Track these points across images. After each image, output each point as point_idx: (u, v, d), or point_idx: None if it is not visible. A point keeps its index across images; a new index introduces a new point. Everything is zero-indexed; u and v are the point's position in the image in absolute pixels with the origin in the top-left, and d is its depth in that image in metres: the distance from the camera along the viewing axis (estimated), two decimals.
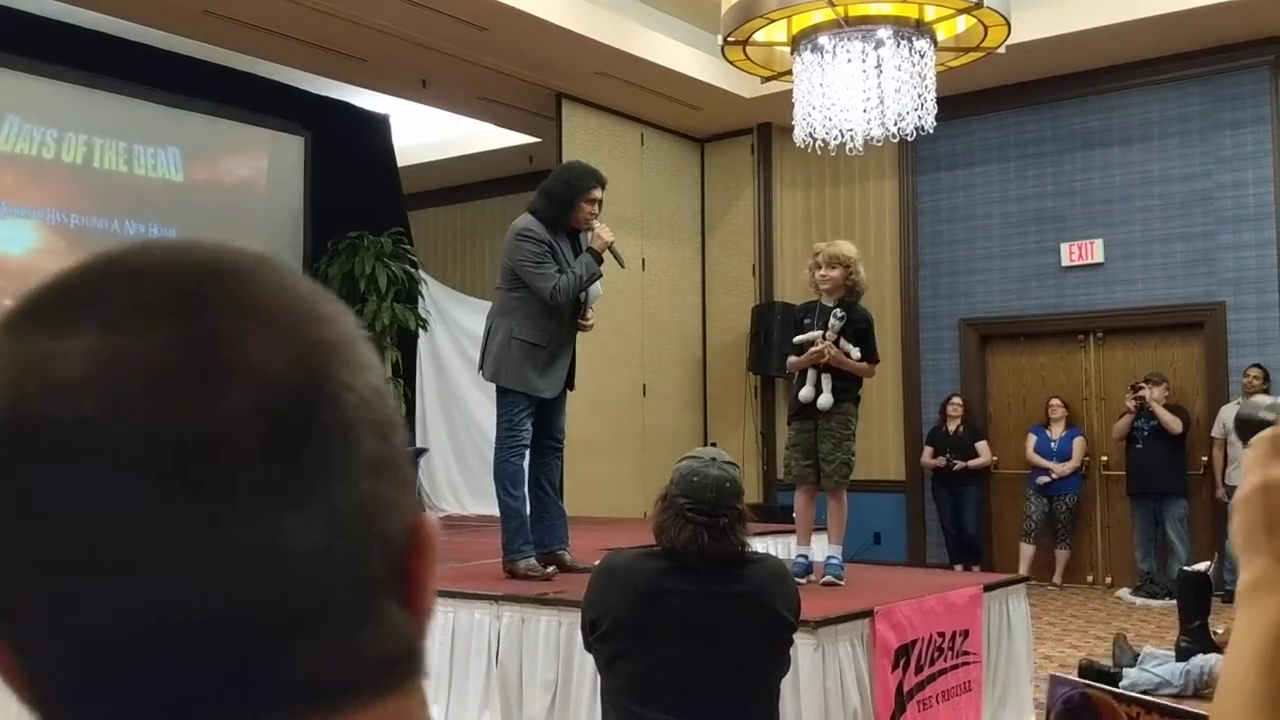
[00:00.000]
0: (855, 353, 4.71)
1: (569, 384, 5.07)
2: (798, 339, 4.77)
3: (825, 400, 4.66)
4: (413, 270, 9.08)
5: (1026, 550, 8.99)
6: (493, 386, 5.06)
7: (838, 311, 4.68)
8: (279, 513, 0.42)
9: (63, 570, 0.41)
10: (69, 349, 0.42)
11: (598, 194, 4.91)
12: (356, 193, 9.23)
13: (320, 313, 0.46)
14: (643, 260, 9.64)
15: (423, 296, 9.27)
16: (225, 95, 8.73)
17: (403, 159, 10.13)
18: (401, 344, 9.11)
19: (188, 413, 0.41)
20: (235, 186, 9.00)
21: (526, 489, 5.01)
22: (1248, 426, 0.83)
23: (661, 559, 2.63)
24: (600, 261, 4.89)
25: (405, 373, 9.23)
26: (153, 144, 8.51)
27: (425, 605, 0.48)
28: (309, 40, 8.08)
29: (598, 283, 4.95)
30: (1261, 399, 0.87)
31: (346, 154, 9.35)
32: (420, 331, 9.27)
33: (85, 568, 0.41)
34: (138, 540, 0.40)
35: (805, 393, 4.70)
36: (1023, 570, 8.76)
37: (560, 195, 4.92)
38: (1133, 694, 1.77)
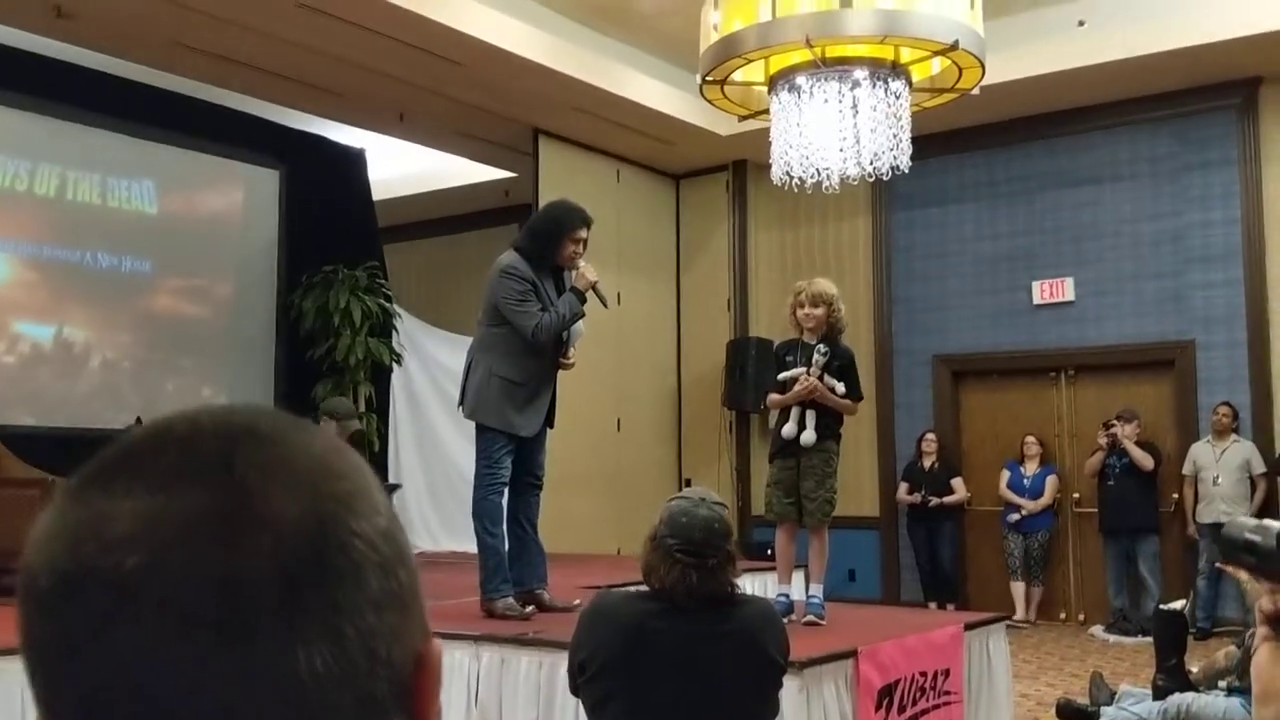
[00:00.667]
0: (840, 388, 4.72)
1: (549, 422, 5.05)
2: (782, 375, 4.78)
3: (809, 436, 4.66)
4: (387, 304, 9.05)
5: (1017, 588, 8.98)
6: (468, 422, 5.03)
7: (821, 347, 4.69)
8: (293, 646, 0.48)
9: (105, 706, 0.47)
10: (120, 509, 0.49)
11: (583, 234, 4.92)
12: (331, 226, 9.20)
13: (335, 469, 0.53)
14: (618, 295, 9.64)
15: (397, 331, 9.24)
16: (200, 128, 8.70)
17: (378, 192, 10.12)
18: (375, 378, 9.07)
19: (215, 561, 0.48)
20: (209, 219, 8.95)
21: (505, 527, 4.98)
22: (1233, 546, 0.83)
23: (651, 600, 2.62)
24: (583, 301, 4.88)
25: (379, 407, 9.18)
26: (127, 176, 8.46)
27: (430, 717, 0.55)
28: (284, 74, 8.07)
29: (580, 321, 4.95)
30: (1247, 520, 0.87)
31: (322, 187, 9.33)
32: (394, 366, 9.23)
33: (125, 701, 0.47)
34: (170, 677, 0.47)
35: (788, 429, 4.70)
36: (1020, 610, 8.80)
37: (546, 233, 4.92)
38: None
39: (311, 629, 0.49)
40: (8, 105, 7.74)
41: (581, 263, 4.91)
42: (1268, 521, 0.84)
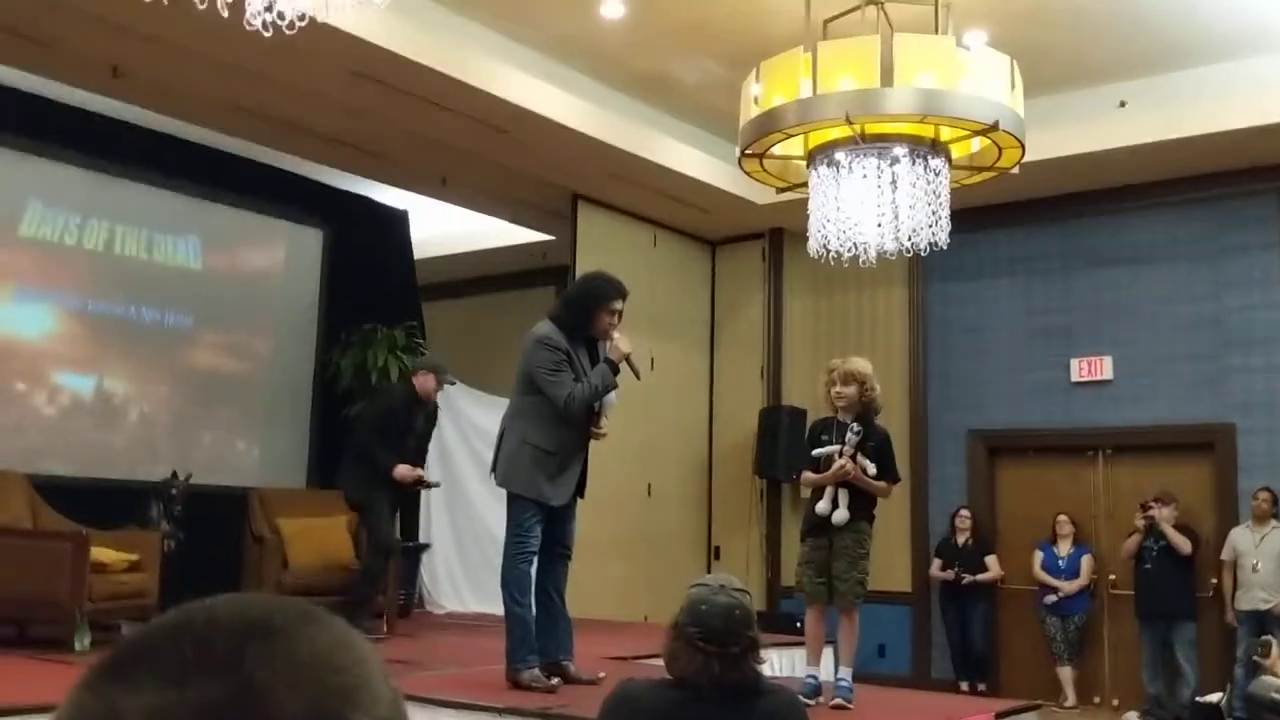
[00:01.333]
0: (872, 469, 4.71)
1: (580, 492, 5.05)
2: (816, 452, 4.77)
3: (841, 516, 4.64)
4: None
5: (1064, 672, 8.81)
6: (502, 488, 5.04)
7: (855, 425, 4.68)
8: None
9: None
10: (133, 704, 0.51)
11: (618, 305, 4.95)
12: (372, 285, 9.30)
13: (337, 663, 0.55)
14: (651, 360, 9.66)
15: None
16: (247, 187, 8.87)
17: (418, 250, 10.23)
18: None
19: None
20: (252, 276, 9.08)
21: (531, 597, 4.97)
22: (1258, 705, 0.82)
23: (676, 689, 2.59)
24: (616, 372, 4.91)
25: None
26: (173, 232, 8.62)
27: None
28: (333, 136, 8.22)
29: (613, 392, 4.97)
30: (1272, 680, 0.85)
31: (364, 247, 9.46)
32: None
33: None
34: None
35: (822, 506, 4.69)
36: (1070, 695, 8.64)
37: (581, 304, 4.96)
38: None
39: None
40: (63, 160, 7.92)
41: (616, 334, 4.93)
42: None
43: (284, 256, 9.26)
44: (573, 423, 4.91)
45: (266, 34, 4.03)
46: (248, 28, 4.06)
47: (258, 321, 9.09)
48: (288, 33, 4.04)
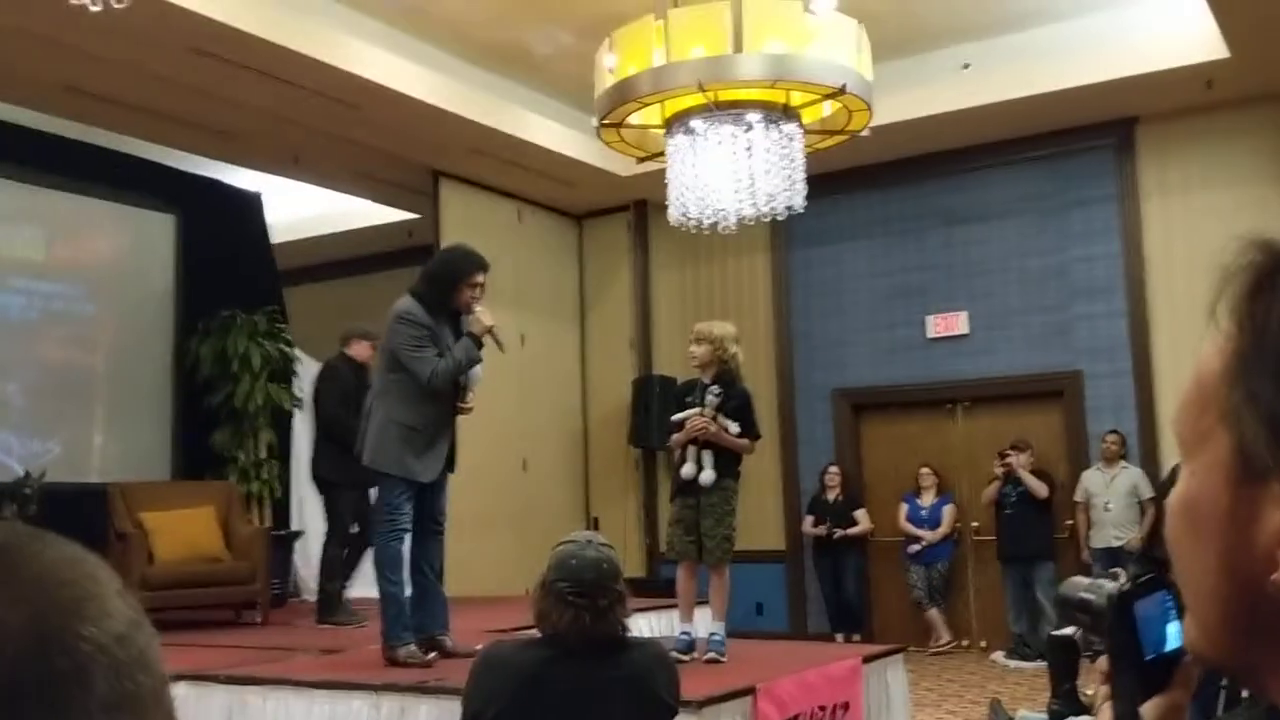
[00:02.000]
0: (734, 428, 4.80)
1: (450, 466, 5.03)
2: (676, 416, 4.85)
3: (707, 476, 4.72)
4: (287, 349, 8.93)
5: (934, 615, 9.13)
6: (370, 468, 4.99)
7: (714, 388, 4.77)
8: None
9: None
10: None
11: (480, 279, 4.93)
12: (229, 270, 9.06)
13: (64, 577, 0.54)
14: (522, 336, 9.64)
15: (298, 375, 9.10)
16: (90, 173, 8.52)
17: (279, 235, 10.00)
18: (276, 424, 8.91)
19: None
20: (100, 266, 8.75)
21: (407, 573, 4.94)
22: (1068, 606, 0.87)
23: (543, 647, 2.63)
24: (480, 346, 4.89)
25: (280, 453, 9.02)
26: (14, 223, 8.24)
27: None
28: (177, 117, 7.96)
29: (478, 366, 4.95)
30: (1080, 579, 0.91)
31: (217, 232, 9.19)
32: (295, 411, 9.09)
33: None
34: None
35: (687, 470, 4.76)
36: (945, 636, 8.99)
37: (442, 279, 4.93)
38: None
39: None
40: None
41: (478, 308, 4.92)
42: (1100, 580, 0.87)
43: (133, 244, 8.94)
44: (438, 399, 4.89)
45: (95, 8, 3.88)
46: (73, 3, 3.90)
47: (109, 312, 8.77)
48: (117, 6, 3.90)
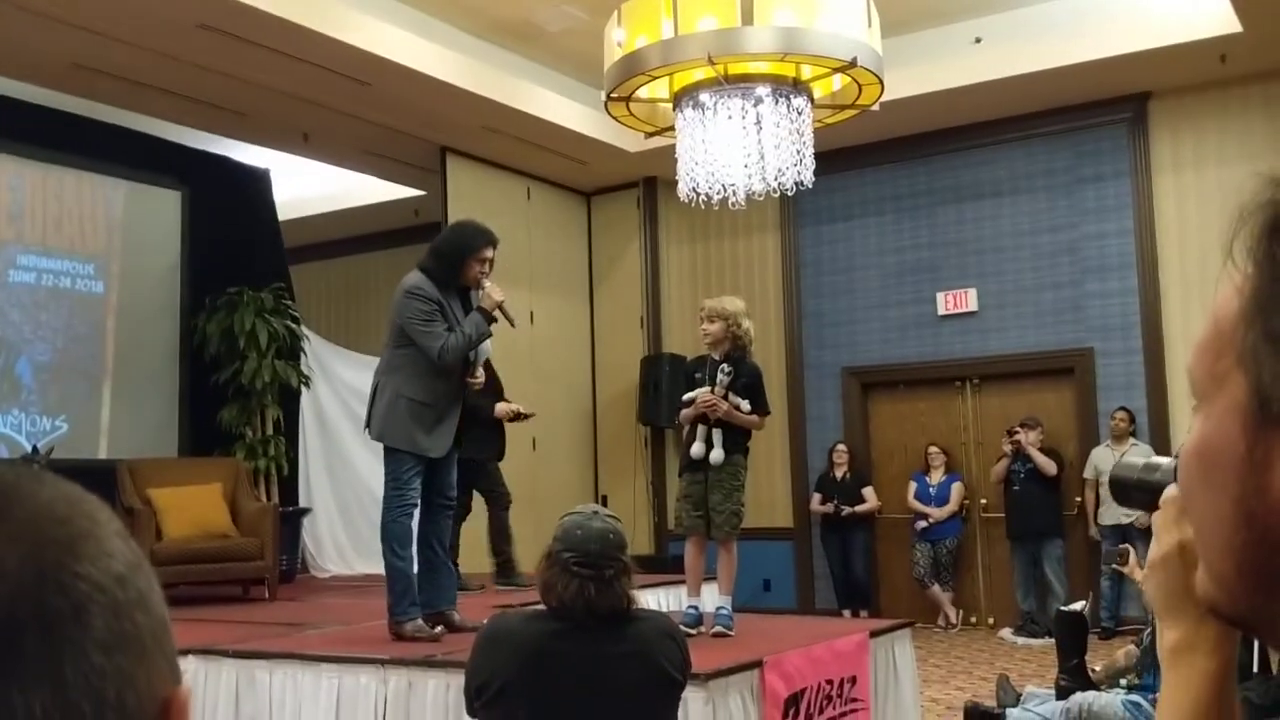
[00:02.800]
0: (745, 405, 4.78)
1: (458, 442, 5.02)
2: (687, 397, 4.82)
3: (717, 455, 4.71)
4: (294, 326, 8.92)
5: (940, 595, 9.12)
6: (379, 444, 4.99)
7: (724, 366, 4.74)
8: (8, 693, 0.48)
9: None
10: None
11: (489, 253, 4.91)
12: (236, 247, 9.05)
13: (60, 515, 0.53)
14: (531, 314, 9.63)
15: (305, 353, 9.10)
16: (100, 150, 8.51)
17: (285, 212, 9.98)
18: (283, 401, 8.92)
19: None
20: (109, 242, 8.74)
21: (415, 549, 4.94)
22: (1124, 486, 0.84)
23: (549, 620, 2.62)
24: (491, 321, 4.87)
25: (287, 430, 9.03)
26: (21, 200, 8.23)
27: None
28: (186, 94, 7.93)
29: (487, 341, 4.94)
30: (1135, 459, 0.88)
31: (225, 208, 9.18)
32: (302, 388, 9.09)
33: None
34: None
35: (696, 449, 4.75)
36: (950, 614, 8.99)
37: (451, 254, 4.90)
38: None
39: (29, 674, 0.49)
40: None
41: (487, 283, 4.89)
42: (1156, 458, 0.85)
43: (142, 221, 8.92)
44: (448, 374, 4.87)
45: None
46: None
47: (117, 289, 8.77)
48: None
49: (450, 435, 4.93)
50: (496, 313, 4.88)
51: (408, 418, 4.81)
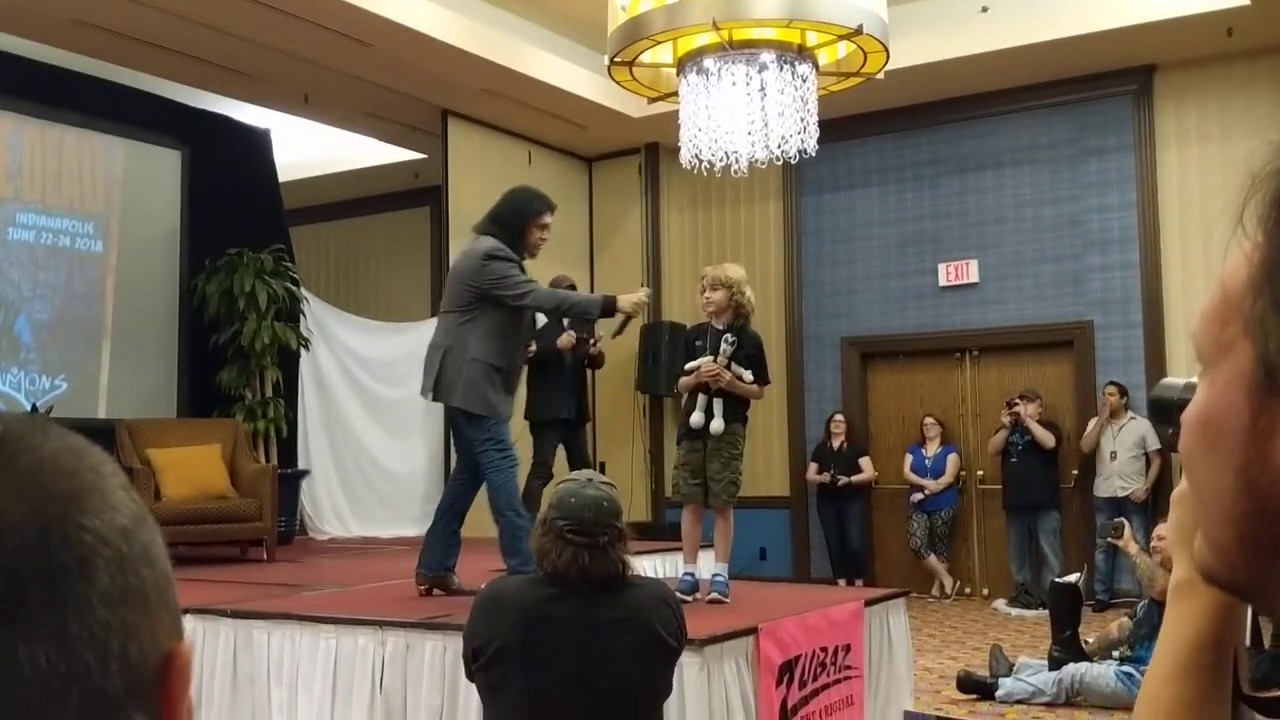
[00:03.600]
0: (747, 375, 4.77)
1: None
2: (689, 366, 4.81)
3: (717, 425, 4.71)
4: (294, 288, 8.90)
5: (936, 565, 9.16)
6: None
7: (728, 336, 4.72)
8: (13, 644, 0.48)
9: None
10: None
11: (547, 219, 4.91)
12: (236, 209, 9.02)
13: (65, 468, 0.53)
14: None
15: (304, 315, 9.09)
16: (98, 108, 8.46)
17: (284, 174, 9.94)
18: (283, 363, 8.91)
19: None
20: (109, 201, 8.71)
21: (444, 514, 4.90)
22: (1165, 406, 0.83)
23: (545, 585, 2.63)
24: (609, 314, 4.92)
25: (287, 393, 9.03)
26: (21, 158, 8.19)
27: (177, 716, 0.54)
28: (187, 52, 7.88)
29: (542, 316, 4.96)
30: (1175, 380, 0.87)
31: (226, 169, 9.14)
32: (302, 350, 9.08)
33: None
34: None
35: (696, 418, 4.74)
36: (946, 583, 9.04)
37: (512, 221, 4.87)
38: None
39: (33, 626, 0.49)
40: None
41: (645, 292, 4.93)
42: (1196, 379, 0.84)
43: (142, 180, 8.88)
44: (513, 339, 4.86)
45: None
46: None
47: (117, 249, 8.74)
48: None
49: (513, 399, 4.95)
50: (619, 317, 4.89)
51: (483, 380, 4.77)
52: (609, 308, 4.87)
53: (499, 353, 4.80)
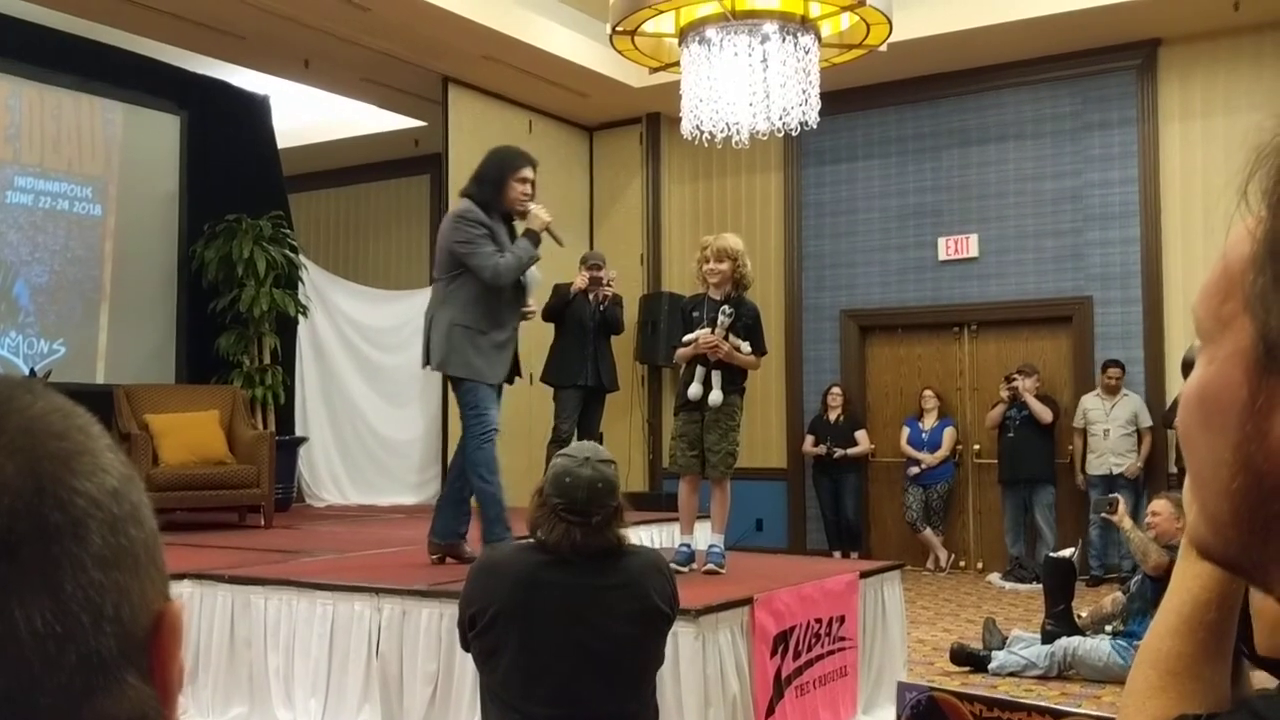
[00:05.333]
0: (745, 347, 4.77)
1: (511, 376, 5.01)
2: (687, 338, 4.80)
3: (715, 397, 4.71)
4: (292, 255, 8.88)
5: (931, 538, 9.19)
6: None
7: (726, 308, 4.72)
8: (9, 607, 0.49)
9: None
10: None
11: (529, 173, 4.90)
12: (235, 174, 8.98)
13: (54, 429, 0.53)
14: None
15: (303, 282, 9.07)
16: (97, 71, 8.41)
17: (283, 140, 9.89)
18: (281, 330, 8.91)
19: None
20: (107, 166, 8.67)
21: (500, 475, 4.90)
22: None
23: (540, 552, 2.64)
24: (538, 243, 4.87)
25: (284, 360, 9.03)
26: (20, 121, 8.15)
27: (169, 680, 0.55)
28: (186, 16, 7.83)
29: (535, 269, 4.94)
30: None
31: (225, 134, 9.10)
32: (300, 317, 9.07)
33: None
34: None
35: (694, 390, 4.74)
36: (940, 556, 9.08)
37: (491, 176, 4.89)
38: (975, 692, 1.82)
39: (28, 588, 0.49)
40: None
41: (533, 205, 4.89)
42: None
43: (140, 144, 8.84)
44: (500, 301, 4.85)
45: None
46: None
47: (116, 213, 8.72)
48: None
49: (507, 364, 4.92)
50: (545, 234, 4.87)
51: (464, 344, 4.79)
52: (535, 240, 4.87)
53: (482, 316, 4.81)
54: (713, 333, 4.69)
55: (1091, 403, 8.54)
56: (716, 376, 4.74)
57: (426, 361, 4.98)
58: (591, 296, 7.25)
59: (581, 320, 7.20)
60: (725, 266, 4.80)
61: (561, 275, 7.58)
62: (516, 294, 4.92)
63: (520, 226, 4.94)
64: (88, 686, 0.51)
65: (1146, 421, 8.29)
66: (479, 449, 4.84)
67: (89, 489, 0.52)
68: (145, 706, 0.53)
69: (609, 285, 7.25)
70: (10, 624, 0.48)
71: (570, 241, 5.35)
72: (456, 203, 4.92)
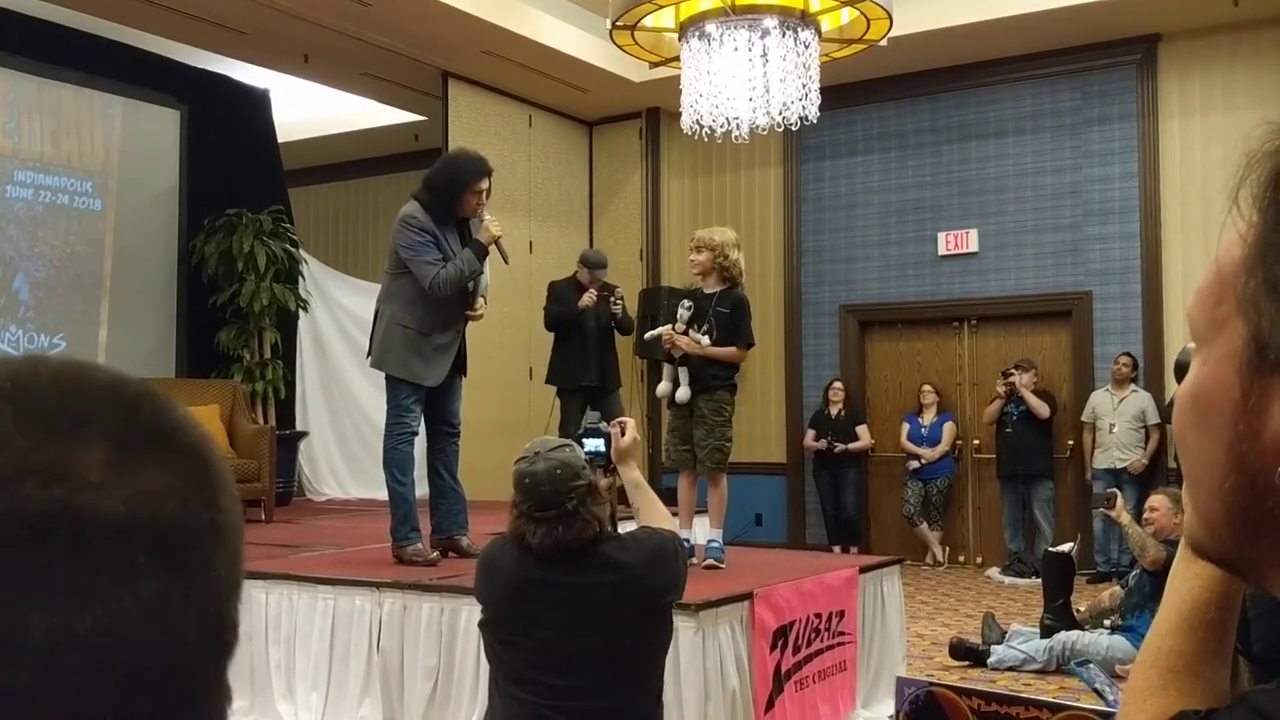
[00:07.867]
0: (705, 340, 4.74)
1: (461, 370, 5.02)
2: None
3: (683, 394, 4.73)
4: (293, 249, 8.89)
5: (929, 534, 9.21)
6: (377, 372, 5.02)
7: (686, 301, 4.75)
8: (187, 590, 0.52)
9: None
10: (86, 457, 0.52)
11: (484, 185, 4.87)
12: (235, 169, 8.98)
13: (199, 449, 0.56)
14: (530, 243, 9.61)
15: (303, 276, 9.08)
16: (97, 65, 8.40)
17: (283, 135, 9.89)
18: (281, 325, 8.92)
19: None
20: (107, 161, 8.67)
21: (414, 475, 4.97)
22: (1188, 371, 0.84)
23: (530, 553, 2.63)
24: (484, 256, 4.85)
25: (285, 354, 9.04)
26: (20, 115, 8.15)
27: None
28: (186, 11, 7.83)
29: (487, 272, 4.93)
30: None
31: (225, 129, 9.10)
32: (300, 312, 9.08)
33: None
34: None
35: (662, 388, 4.78)
36: (937, 552, 9.10)
37: (444, 187, 4.86)
38: (973, 686, 1.84)
39: (194, 579, 0.53)
40: None
41: (487, 215, 4.87)
42: None
43: (141, 139, 8.84)
44: (445, 301, 4.86)
45: None
46: None
47: (116, 207, 8.72)
48: None
49: (448, 364, 4.93)
50: (492, 248, 4.85)
51: (403, 345, 4.82)
52: (481, 252, 4.85)
53: (423, 317, 4.82)
54: (672, 328, 4.69)
55: (1099, 397, 8.55)
56: (684, 373, 4.74)
57: (369, 354, 5.01)
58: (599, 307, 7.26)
59: (582, 322, 7.19)
60: (703, 258, 4.82)
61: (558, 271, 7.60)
62: (462, 296, 4.91)
63: (475, 227, 4.90)
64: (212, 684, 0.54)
65: (1154, 418, 8.29)
66: (394, 448, 4.90)
67: (233, 500, 0.57)
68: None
69: (616, 304, 7.24)
70: (183, 609, 0.52)
71: (514, 263, 5.33)
72: (406, 205, 4.89)
